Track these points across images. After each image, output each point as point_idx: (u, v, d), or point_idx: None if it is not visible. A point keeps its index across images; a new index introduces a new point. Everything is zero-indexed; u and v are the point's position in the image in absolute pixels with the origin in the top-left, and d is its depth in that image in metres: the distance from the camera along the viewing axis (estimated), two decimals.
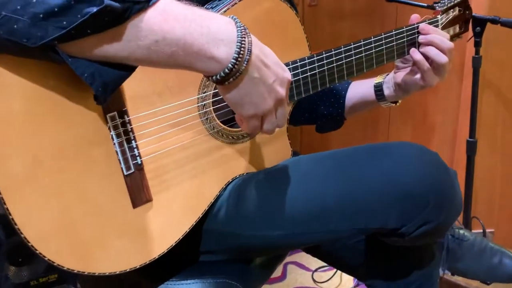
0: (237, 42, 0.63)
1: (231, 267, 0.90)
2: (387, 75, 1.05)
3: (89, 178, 0.69)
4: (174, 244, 0.79)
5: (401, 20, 1.95)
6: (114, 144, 0.72)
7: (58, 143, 0.66)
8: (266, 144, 0.93)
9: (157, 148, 0.77)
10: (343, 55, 0.88)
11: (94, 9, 0.55)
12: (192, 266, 0.89)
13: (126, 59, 0.61)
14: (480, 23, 1.47)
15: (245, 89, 0.66)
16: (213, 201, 0.85)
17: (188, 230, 0.81)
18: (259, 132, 0.73)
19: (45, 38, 0.56)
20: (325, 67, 0.87)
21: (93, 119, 0.69)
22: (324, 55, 0.86)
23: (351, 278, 1.85)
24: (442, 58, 0.93)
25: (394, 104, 1.06)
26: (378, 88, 1.03)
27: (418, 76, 0.96)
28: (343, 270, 1.10)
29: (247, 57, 0.64)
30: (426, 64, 0.93)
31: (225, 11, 0.81)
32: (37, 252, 0.66)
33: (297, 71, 0.84)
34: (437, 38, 0.94)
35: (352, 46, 0.89)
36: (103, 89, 0.61)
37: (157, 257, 0.77)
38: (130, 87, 0.72)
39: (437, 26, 0.99)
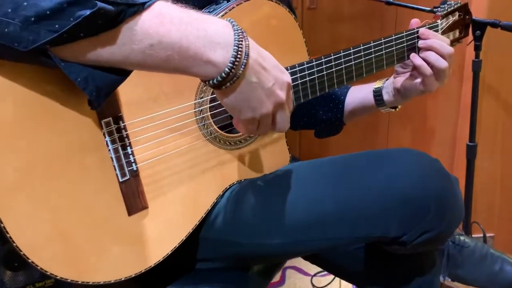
0: (234, 46, 0.62)
1: (229, 275, 0.89)
2: (386, 80, 1.04)
3: (83, 185, 0.68)
4: (170, 252, 0.78)
5: (401, 23, 1.95)
6: (109, 150, 0.71)
7: (51, 149, 0.65)
8: (264, 150, 0.92)
9: (153, 154, 0.76)
10: (342, 60, 0.87)
11: (87, 12, 0.54)
12: (189, 274, 0.88)
13: (120, 63, 0.60)
14: (480, 27, 1.46)
15: (243, 94, 0.65)
16: (210, 208, 0.84)
17: (184, 238, 0.80)
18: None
19: (37, 41, 0.55)
20: (324, 72, 0.86)
21: (88, 124, 0.68)
22: (323, 60, 0.85)
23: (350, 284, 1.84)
24: (442, 63, 0.92)
25: (393, 110, 1.05)
26: (377, 93, 1.02)
27: (417, 81, 0.95)
28: (342, 277, 1.09)
29: (245, 60, 0.63)
30: (428, 69, 0.92)
31: (222, 16, 0.80)
32: (30, 261, 0.65)
33: (296, 76, 0.83)
34: (436, 43, 0.93)
35: (352, 51, 0.88)
36: (97, 94, 0.60)
37: (153, 266, 0.76)
38: (126, 92, 0.71)
39: (437, 31, 0.99)
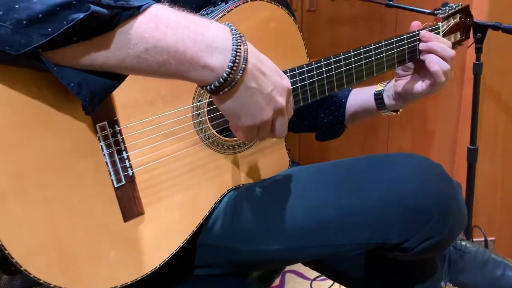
0: (232, 50, 0.61)
1: (227, 281, 0.88)
2: (387, 83, 1.03)
3: (78, 191, 0.67)
4: (167, 259, 0.77)
5: (401, 26, 1.95)
6: (104, 155, 0.69)
7: (44, 154, 0.64)
8: (263, 154, 0.91)
9: (149, 159, 0.75)
10: (343, 63, 0.86)
11: (81, 16, 0.53)
12: (186, 281, 0.87)
13: (115, 67, 0.59)
14: (481, 30, 1.46)
15: (241, 99, 0.64)
16: (208, 214, 0.83)
17: (182, 245, 0.79)
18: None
19: (29, 45, 0.54)
20: (324, 75, 0.85)
21: (82, 129, 0.67)
22: (323, 63, 0.84)
23: None
24: (443, 66, 0.91)
25: (395, 113, 1.04)
26: (379, 97, 1.01)
27: (419, 84, 0.95)
28: (342, 283, 1.07)
29: (243, 65, 0.61)
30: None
31: (220, 17, 0.79)
32: (22, 268, 0.63)
33: (295, 79, 0.82)
34: (438, 46, 0.92)
35: (352, 53, 0.87)
36: (91, 99, 0.59)
37: (149, 273, 0.75)
38: (121, 95, 0.70)
39: (438, 33, 0.98)
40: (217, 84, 0.61)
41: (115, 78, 0.61)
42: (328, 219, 0.77)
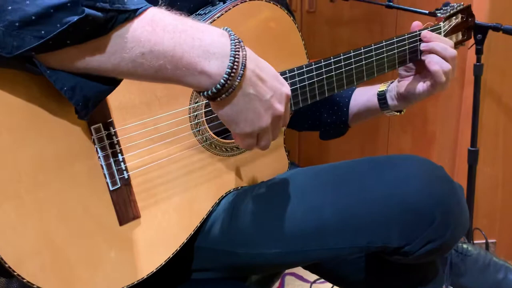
0: (231, 56, 0.60)
1: (225, 285, 0.87)
2: (391, 83, 1.02)
3: (72, 194, 0.66)
4: (164, 263, 0.76)
5: (401, 27, 1.94)
6: (99, 157, 0.68)
7: (38, 157, 0.63)
8: (262, 156, 0.90)
9: (145, 161, 0.74)
10: (343, 63, 0.85)
11: (75, 19, 0.52)
12: (184, 285, 0.86)
13: (110, 72, 0.58)
14: (482, 31, 1.45)
15: (239, 106, 0.63)
16: (205, 217, 0.82)
17: (179, 248, 0.78)
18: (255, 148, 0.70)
19: (21, 48, 0.52)
20: (324, 76, 0.84)
21: (76, 131, 0.66)
22: (322, 64, 0.83)
23: None
24: (445, 66, 0.90)
25: (398, 113, 1.03)
26: (382, 97, 1.01)
27: (420, 85, 0.94)
28: (342, 287, 1.06)
29: (241, 72, 0.60)
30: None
31: (218, 17, 0.78)
32: (15, 273, 0.62)
33: (295, 80, 0.81)
34: (439, 46, 0.91)
35: (352, 54, 0.86)
36: (84, 104, 0.58)
37: (145, 277, 0.74)
38: (116, 96, 0.69)
39: (439, 33, 0.97)
40: (214, 90, 0.60)
41: (110, 82, 0.60)
42: (327, 222, 0.76)
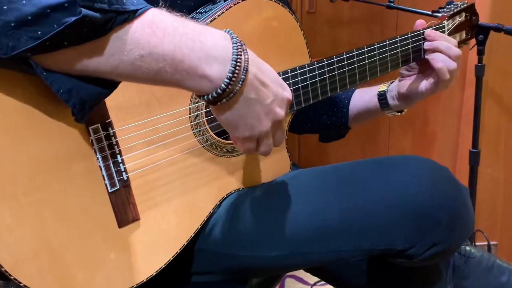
0: (232, 60, 0.59)
1: None
2: (391, 83, 1.01)
3: (70, 197, 0.65)
4: (164, 266, 0.75)
5: (401, 27, 1.93)
6: (98, 158, 0.67)
7: (35, 158, 0.62)
8: (264, 157, 0.89)
9: (145, 162, 0.73)
10: (345, 62, 0.84)
11: (72, 19, 0.51)
12: None
13: (108, 74, 0.57)
14: (483, 31, 1.45)
15: (240, 110, 0.62)
16: (206, 219, 0.81)
17: (179, 251, 0.77)
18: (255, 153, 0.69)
19: (17, 49, 0.51)
20: (327, 75, 0.83)
21: (74, 132, 0.65)
22: (325, 63, 0.82)
23: None
24: (449, 64, 0.89)
25: (399, 114, 1.02)
26: (382, 97, 1.00)
27: (423, 83, 0.93)
28: None
29: (243, 76, 0.59)
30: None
31: (219, 15, 0.77)
32: (12, 277, 0.61)
33: (296, 79, 0.80)
34: (443, 45, 0.90)
35: (355, 53, 0.85)
36: (81, 106, 0.57)
37: (145, 280, 0.73)
38: (115, 96, 0.67)
39: (443, 32, 0.96)
40: (214, 94, 0.59)
41: (107, 85, 0.59)
42: (330, 224, 0.75)
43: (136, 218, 0.72)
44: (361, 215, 0.74)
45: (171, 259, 0.75)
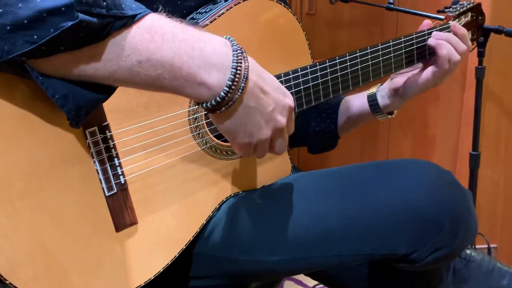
0: (232, 68, 0.58)
1: None
2: (381, 85, 1.00)
3: (66, 200, 0.64)
4: (162, 270, 0.74)
5: (402, 29, 1.93)
6: (94, 162, 0.66)
7: (31, 162, 0.61)
8: (264, 160, 0.87)
9: (142, 166, 0.72)
10: (348, 63, 0.84)
11: (69, 24, 0.50)
12: None
13: (105, 79, 0.56)
14: (484, 33, 1.44)
15: (239, 119, 0.61)
16: (205, 222, 0.80)
17: (177, 255, 0.76)
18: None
19: (12, 53, 0.50)
20: (329, 77, 0.82)
21: (71, 135, 0.64)
22: (327, 64, 0.81)
23: None
24: (452, 52, 0.89)
25: (390, 116, 1.01)
26: (372, 98, 0.99)
27: (419, 76, 0.92)
28: None
29: (243, 84, 0.59)
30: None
31: (219, 16, 0.76)
32: (7, 282, 0.60)
33: (298, 81, 0.79)
34: (453, 37, 0.90)
35: (358, 54, 0.85)
36: (76, 112, 0.56)
37: (143, 284, 0.72)
38: (113, 99, 0.66)
39: (449, 32, 0.95)
40: (213, 102, 0.58)
41: (104, 91, 0.58)
42: (332, 228, 0.74)
43: (134, 222, 0.71)
44: (364, 219, 0.73)
45: (170, 263, 0.75)
